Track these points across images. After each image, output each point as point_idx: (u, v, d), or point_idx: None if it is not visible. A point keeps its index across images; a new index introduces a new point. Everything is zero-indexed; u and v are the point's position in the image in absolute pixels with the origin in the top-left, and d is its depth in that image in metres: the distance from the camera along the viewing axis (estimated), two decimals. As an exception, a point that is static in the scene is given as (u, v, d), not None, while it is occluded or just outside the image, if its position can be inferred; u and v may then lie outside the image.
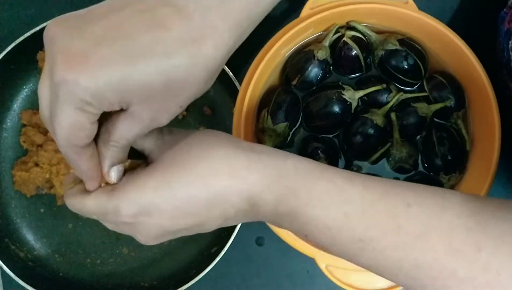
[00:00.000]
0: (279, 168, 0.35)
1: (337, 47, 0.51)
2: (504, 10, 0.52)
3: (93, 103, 0.31)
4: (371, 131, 0.49)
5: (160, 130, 0.37)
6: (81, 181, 0.37)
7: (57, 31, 0.31)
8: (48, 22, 0.55)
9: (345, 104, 0.50)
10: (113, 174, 0.36)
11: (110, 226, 0.38)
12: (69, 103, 0.30)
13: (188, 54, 0.30)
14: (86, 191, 0.36)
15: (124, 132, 0.34)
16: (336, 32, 0.51)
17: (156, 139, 0.37)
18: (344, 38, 0.51)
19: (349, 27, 0.52)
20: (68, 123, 0.31)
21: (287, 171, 0.35)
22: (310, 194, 0.34)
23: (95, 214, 0.36)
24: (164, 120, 0.33)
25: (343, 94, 0.49)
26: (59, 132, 0.32)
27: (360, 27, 0.51)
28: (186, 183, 0.33)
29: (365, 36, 0.52)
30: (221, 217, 0.35)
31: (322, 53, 0.50)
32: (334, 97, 0.50)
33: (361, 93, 0.50)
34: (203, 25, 0.31)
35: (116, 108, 0.32)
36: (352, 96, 0.50)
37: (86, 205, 0.36)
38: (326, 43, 0.51)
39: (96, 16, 0.31)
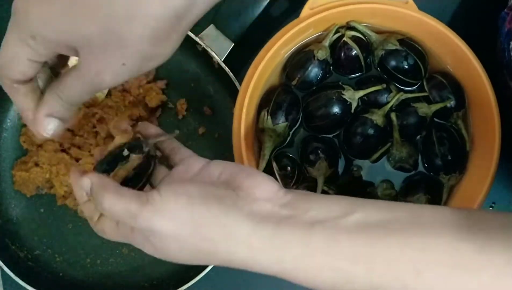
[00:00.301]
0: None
1: (337, 47, 0.51)
2: (505, 10, 0.52)
3: (36, 38, 0.31)
4: (371, 131, 0.49)
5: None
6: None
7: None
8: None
9: (345, 104, 0.50)
10: (47, 124, 0.35)
11: (119, 233, 0.38)
12: (15, 32, 0.32)
13: (126, 8, 0.30)
14: (119, 190, 0.36)
15: (70, 82, 0.33)
16: (336, 32, 0.51)
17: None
18: (344, 38, 0.51)
19: (349, 27, 0.52)
20: (7, 52, 0.32)
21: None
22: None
23: (119, 218, 0.36)
24: (107, 77, 0.32)
25: (343, 94, 0.49)
26: None
27: (360, 27, 0.51)
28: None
29: (365, 36, 0.52)
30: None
31: (322, 53, 0.50)
32: (334, 97, 0.50)
33: (361, 93, 0.50)
34: None
35: (61, 51, 0.33)
36: (352, 96, 0.50)
37: (114, 205, 0.35)
38: (326, 43, 0.51)
39: None
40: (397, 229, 0.33)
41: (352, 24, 0.51)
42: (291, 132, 0.51)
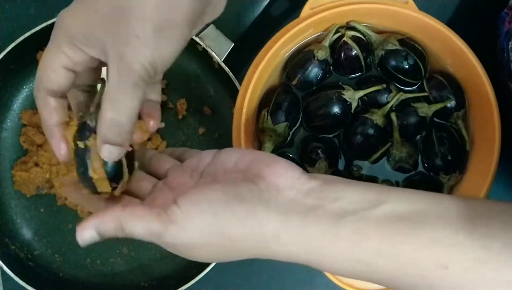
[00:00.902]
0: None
1: (337, 47, 0.51)
2: (505, 10, 0.52)
3: (72, 44, 0.34)
4: (371, 131, 0.49)
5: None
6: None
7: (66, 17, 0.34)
8: (48, 22, 0.56)
9: (345, 104, 0.50)
10: (106, 152, 0.35)
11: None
12: (53, 43, 0.34)
13: None
14: (135, 213, 0.35)
15: (108, 88, 0.34)
16: (336, 32, 0.51)
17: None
18: (344, 38, 0.51)
19: (349, 27, 0.52)
20: (45, 62, 0.35)
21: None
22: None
23: (143, 238, 0.35)
24: (131, 58, 0.32)
25: (343, 94, 0.49)
26: (37, 72, 0.35)
27: (360, 27, 0.51)
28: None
29: (365, 36, 0.52)
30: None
31: (322, 53, 0.50)
32: (334, 97, 0.50)
33: (361, 93, 0.50)
34: None
35: (94, 55, 0.34)
36: (352, 96, 0.50)
37: (135, 230, 0.34)
38: (326, 43, 0.51)
39: None
40: (423, 222, 0.33)
41: (352, 24, 0.51)
42: (291, 132, 0.51)
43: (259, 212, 0.33)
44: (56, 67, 0.34)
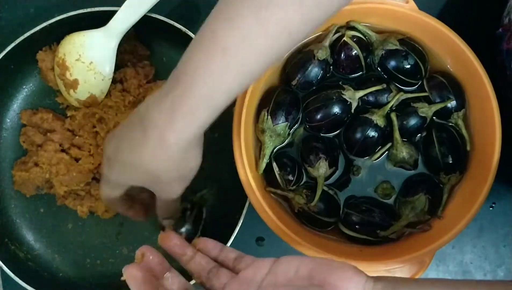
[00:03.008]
0: None
1: (337, 47, 0.51)
2: (500, 30, 0.52)
3: (120, 187, 0.46)
4: (371, 131, 0.49)
5: None
6: None
7: (108, 148, 0.45)
8: (48, 22, 0.56)
9: (345, 104, 0.50)
10: (166, 223, 0.52)
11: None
12: (106, 185, 0.46)
13: (152, 159, 0.41)
14: None
15: (158, 205, 0.48)
16: (336, 32, 0.51)
17: None
18: (344, 38, 0.51)
19: (349, 27, 0.52)
20: (106, 193, 0.47)
21: None
22: None
23: None
24: (170, 195, 0.45)
25: (343, 94, 0.49)
26: (102, 195, 0.48)
27: (360, 27, 0.51)
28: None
29: (365, 36, 0.52)
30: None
31: (322, 53, 0.50)
32: (334, 97, 0.50)
33: (361, 93, 0.50)
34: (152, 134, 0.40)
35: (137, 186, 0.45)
36: (352, 96, 0.50)
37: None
38: (326, 43, 0.51)
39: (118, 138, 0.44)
40: None
41: (352, 24, 0.51)
42: (291, 132, 0.51)
43: None
44: (114, 195, 0.47)
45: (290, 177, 0.50)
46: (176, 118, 0.38)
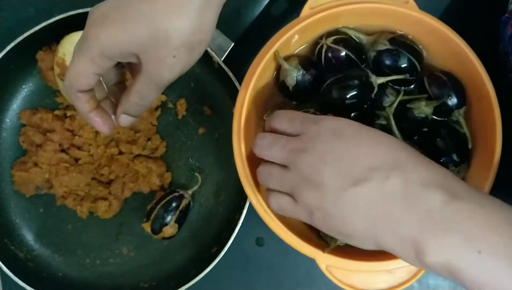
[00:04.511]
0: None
1: (322, 54, 0.51)
2: (506, 15, 0.52)
3: (104, 56, 0.39)
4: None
5: None
6: None
7: (95, 27, 0.39)
8: (48, 22, 0.56)
9: (369, 87, 0.48)
10: (122, 120, 0.44)
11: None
12: (86, 54, 0.39)
13: (165, 6, 0.38)
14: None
15: (136, 87, 0.42)
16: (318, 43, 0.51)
17: None
18: (324, 43, 0.50)
19: (331, 32, 0.51)
20: (78, 69, 0.40)
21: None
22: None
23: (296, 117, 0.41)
24: (165, 72, 0.40)
25: (370, 76, 0.48)
26: (68, 76, 0.41)
27: (349, 32, 0.51)
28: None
29: (351, 42, 0.51)
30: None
31: (291, 81, 0.50)
32: (361, 80, 0.48)
33: (382, 79, 0.49)
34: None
35: (126, 60, 0.40)
36: (375, 81, 0.49)
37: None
38: (286, 66, 0.50)
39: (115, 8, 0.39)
40: None
41: (342, 29, 0.51)
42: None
43: None
44: (88, 74, 0.40)
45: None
46: None
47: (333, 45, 0.50)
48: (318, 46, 0.51)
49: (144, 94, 0.42)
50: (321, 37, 0.51)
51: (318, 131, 0.39)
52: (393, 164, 0.37)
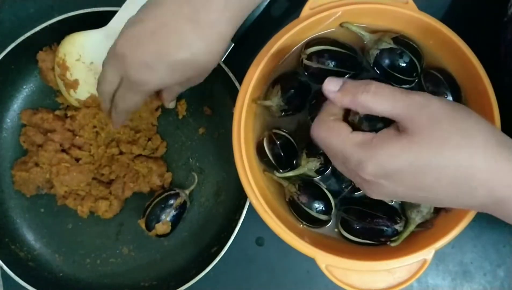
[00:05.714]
0: None
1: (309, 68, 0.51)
2: (505, 18, 0.52)
3: (151, 92, 0.49)
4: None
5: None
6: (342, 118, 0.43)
7: (126, 48, 0.45)
8: (48, 22, 0.56)
9: None
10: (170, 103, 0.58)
11: (337, 164, 0.42)
12: (139, 93, 0.48)
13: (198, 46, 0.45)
14: (345, 127, 0.41)
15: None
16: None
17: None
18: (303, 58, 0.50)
19: (308, 43, 0.51)
20: (133, 103, 0.49)
21: None
22: None
23: (334, 151, 0.41)
24: (193, 84, 0.52)
25: None
26: (121, 105, 0.50)
27: (353, 28, 0.51)
28: (438, 162, 0.37)
29: (345, 46, 0.51)
30: (457, 197, 0.38)
31: (277, 113, 0.50)
32: None
33: None
34: (210, 31, 0.45)
35: None
36: None
37: (336, 140, 0.40)
38: (268, 104, 0.50)
39: (148, 34, 0.45)
40: None
41: (345, 25, 0.51)
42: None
43: None
44: (114, 83, 0.48)
45: (281, 152, 0.50)
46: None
47: (307, 62, 0.50)
48: (300, 59, 0.51)
49: (176, 92, 0.55)
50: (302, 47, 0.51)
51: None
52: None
